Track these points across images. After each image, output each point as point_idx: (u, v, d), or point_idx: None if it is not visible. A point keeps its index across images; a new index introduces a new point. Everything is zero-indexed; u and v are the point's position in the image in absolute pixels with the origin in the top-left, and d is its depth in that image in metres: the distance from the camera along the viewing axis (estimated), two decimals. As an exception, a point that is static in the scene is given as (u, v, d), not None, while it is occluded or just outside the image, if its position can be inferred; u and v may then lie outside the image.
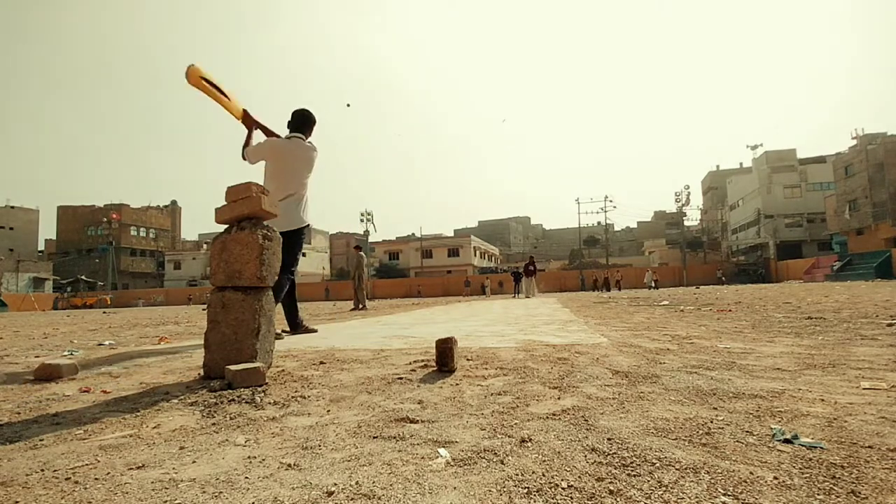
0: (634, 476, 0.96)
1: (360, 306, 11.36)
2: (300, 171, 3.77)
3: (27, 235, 57.92)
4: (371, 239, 49.56)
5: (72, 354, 3.39)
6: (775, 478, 0.93)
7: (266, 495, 0.92)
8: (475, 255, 54.57)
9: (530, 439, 1.19)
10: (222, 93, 3.58)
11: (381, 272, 53.76)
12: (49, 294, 47.51)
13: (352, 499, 0.90)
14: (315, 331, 4.23)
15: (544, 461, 1.05)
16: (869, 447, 1.08)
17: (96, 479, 1.04)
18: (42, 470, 1.10)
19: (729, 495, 0.86)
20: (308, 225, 3.90)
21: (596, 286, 34.23)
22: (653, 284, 32.86)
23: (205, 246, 69.02)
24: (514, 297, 22.30)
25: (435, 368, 2.08)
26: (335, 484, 0.96)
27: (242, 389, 1.76)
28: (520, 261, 62.79)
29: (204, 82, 3.45)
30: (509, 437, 1.21)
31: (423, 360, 2.27)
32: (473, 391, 1.71)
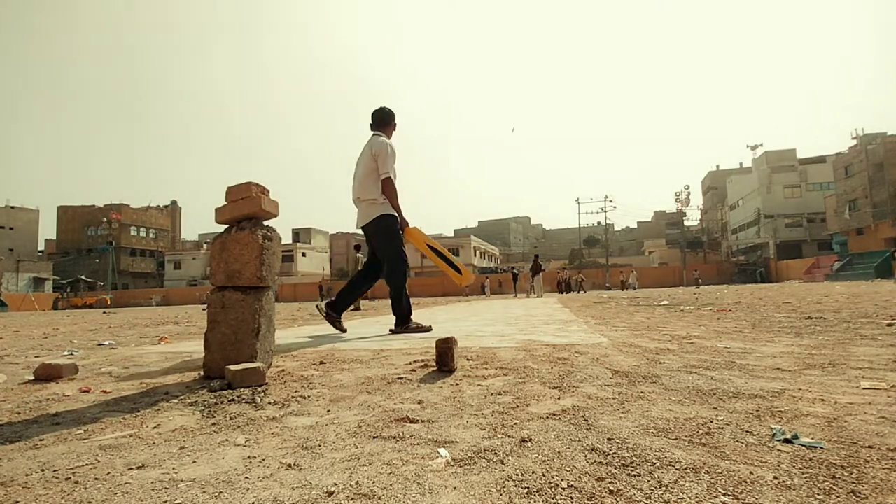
0: (634, 476, 0.96)
1: (353, 307, 11.40)
2: (358, 171, 3.87)
3: (27, 235, 57.89)
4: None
5: (72, 354, 3.39)
6: (775, 478, 0.93)
7: (266, 495, 0.92)
8: (475, 255, 54.57)
9: (530, 439, 1.18)
10: (440, 254, 3.95)
11: (381, 272, 53.67)
12: (49, 294, 47.51)
13: (352, 499, 0.90)
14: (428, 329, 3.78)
15: (544, 461, 1.05)
16: (869, 447, 1.08)
17: (96, 479, 1.04)
18: (42, 470, 1.10)
19: (729, 495, 0.86)
20: (379, 216, 3.75)
21: (560, 287, 30.23)
22: (635, 285, 32.47)
23: (205, 246, 69.01)
24: (515, 296, 22.30)
25: (435, 368, 2.07)
26: (335, 484, 0.96)
27: (242, 389, 1.76)
28: (520, 261, 62.76)
29: (427, 247, 3.94)
30: (509, 437, 1.21)
31: (423, 360, 2.27)
32: (473, 391, 1.71)
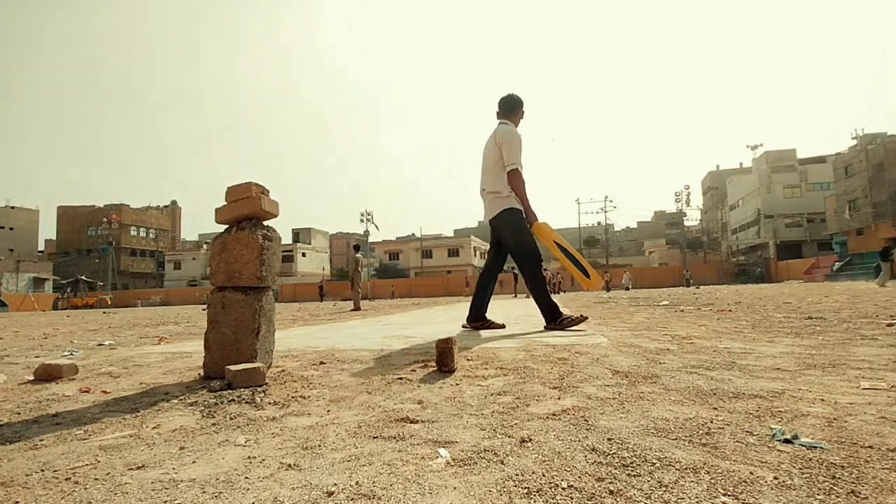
0: (634, 476, 0.96)
1: (354, 307, 11.40)
2: (484, 162, 3.66)
3: (27, 236, 57.91)
4: (371, 239, 49.55)
5: (72, 355, 3.39)
6: (775, 478, 0.93)
7: (266, 495, 0.92)
8: (475, 256, 54.57)
9: (530, 439, 1.18)
10: (568, 253, 3.68)
11: (382, 272, 53.80)
12: (49, 294, 47.52)
13: (352, 499, 0.90)
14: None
15: (544, 461, 1.05)
16: (869, 447, 1.08)
17: (96, 479, 1.04)
18: (42, 470, 1.10)
19: (729, 495, 0.86)
20: (503, 210, 3.54)
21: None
22: (629, 285, 32.23)
23: (205, 246, 68.99)
24: (515, 297, 22.29)
25: (435, 368, 2.08)
26: (335, 484, 0.96)
27: (242, 389, 1.76)
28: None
29: (555, 244, 3.66)
30: (509, 437, 1.21)
31: (423, 361, 2.27)
32: (473, 391, 1.71)
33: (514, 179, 3.49)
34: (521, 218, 3.57)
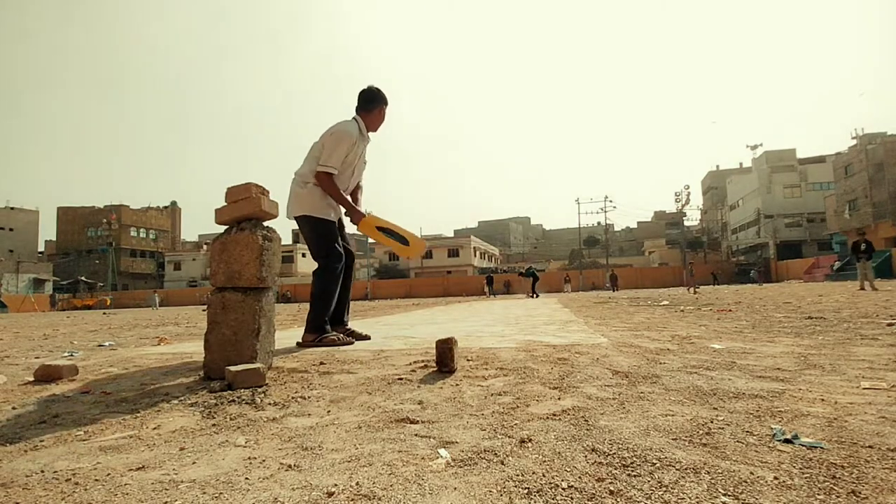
0: (635, 476, 0.96)
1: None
2: (310, 150, 3.21)
3: (27, 236, 57.94)
4: (371, 240, 49.47)
5: (72, 355, 3.39)
6: (776, 478, 0.93)
7: (266, 496, 0.92)
8: (475, 256, 54.59)
9: (530, 440, 1.19)
10: (394, 233, 3.24)
11: (382, 273, 53.80)
12: (48, 295, 47.52)
13: (352, 499, 0.90)
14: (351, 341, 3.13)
15: (544, 461, 1.05)
16: (869, 447, 1.08)
17: (96, 480, 1.04)
18: (42, 471, 1.10)
19: (729, 495, 0.86)
20: (300, 216, 3.13)
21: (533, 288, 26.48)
22: (611, 287, 32.28)
23: (205, 247, 68.87)
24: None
25: (435, 369, 2.07)
26: (335, 485, 0.96)
27: (242, 390, 1.76)
28: (520, 261, 62.73)
29: (378, 230, 3.22)
30: (509, 437, 1.21)
31: (423, 361, 2.27)
32: (473, 391, 1.71)
33: (325, 182, 3.05)
34: (318, 228, 3.13)
